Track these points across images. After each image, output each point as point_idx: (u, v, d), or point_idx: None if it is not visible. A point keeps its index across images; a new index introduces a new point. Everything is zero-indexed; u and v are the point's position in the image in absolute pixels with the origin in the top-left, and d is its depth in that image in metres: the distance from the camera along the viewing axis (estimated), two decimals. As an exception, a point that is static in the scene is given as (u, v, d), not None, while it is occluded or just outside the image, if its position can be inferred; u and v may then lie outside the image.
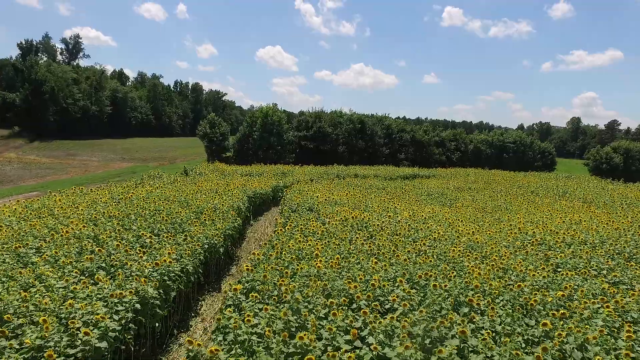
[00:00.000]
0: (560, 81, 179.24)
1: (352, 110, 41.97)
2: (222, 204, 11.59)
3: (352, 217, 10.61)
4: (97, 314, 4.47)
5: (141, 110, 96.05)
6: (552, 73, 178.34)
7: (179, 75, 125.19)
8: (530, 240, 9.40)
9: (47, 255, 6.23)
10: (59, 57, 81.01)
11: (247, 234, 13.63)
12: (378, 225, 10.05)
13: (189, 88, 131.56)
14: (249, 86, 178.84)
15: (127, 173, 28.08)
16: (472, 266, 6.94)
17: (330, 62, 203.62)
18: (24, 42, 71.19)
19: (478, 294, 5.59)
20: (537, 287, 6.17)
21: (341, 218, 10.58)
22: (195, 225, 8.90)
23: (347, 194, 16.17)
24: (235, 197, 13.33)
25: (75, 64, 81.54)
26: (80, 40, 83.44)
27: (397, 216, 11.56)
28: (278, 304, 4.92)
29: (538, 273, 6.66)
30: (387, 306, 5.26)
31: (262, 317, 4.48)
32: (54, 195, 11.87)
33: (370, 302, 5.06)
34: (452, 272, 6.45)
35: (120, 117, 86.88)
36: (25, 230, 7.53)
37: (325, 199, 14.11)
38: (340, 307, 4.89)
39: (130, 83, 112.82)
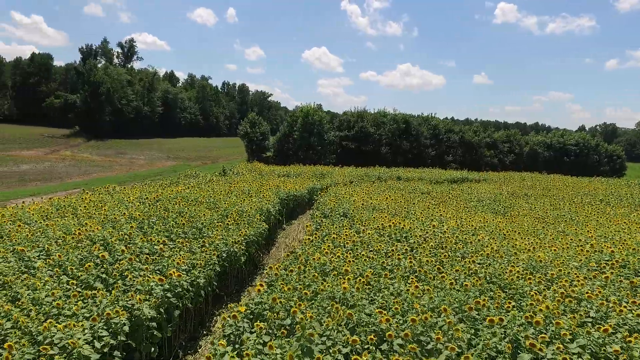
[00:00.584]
0: (627, 79, 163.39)
1: (396, 109, 40.41)
2: (251, 207, 10.93)
3: (391, 226, 9.49)
4: (75, 339, 3.80)
5: (190, 111, 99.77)
6: (617, 71, 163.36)
7: (228, 78, 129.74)
8: (608, 261, 7.79)
9: (52, 259, 5.77)
10: (115, 60, 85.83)
11: (278, 239, 12.91)
12: (420, 235, 8.86)
13: (235, 89, 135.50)
14: (295, 87, 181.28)
15: (168, 172, 28.63)
16: (534, 293, 5.64)
17: (376, 63, 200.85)
18: (84, 47, 76.35)
19: (543, 335, 4.33)
20: (627, 328, 4.77)
21: (378, 226, 9.50)
22: (218, 230, 8.24)
23: (387, 198, 15.01)
24: (266, 200, 12.66)
25: (129, 66, 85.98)
26: (134, 44, 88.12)
27: (443, 225, 10.28)
28: (289, 338, 4.01)
29: (626, 308, 5.21)
30: (428, 347, 4.18)
31: (265, 356, 3.59)
32: (86, 193, 11.79)
33: (406, 343, 4.01)
34: (509, 302, 5.21)
35: (170, 118, 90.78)
36: (41, 230, 7.21)
37: (363, 204, 13.07)
38: (366, 348, 3.89)
39: (180, 85, 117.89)
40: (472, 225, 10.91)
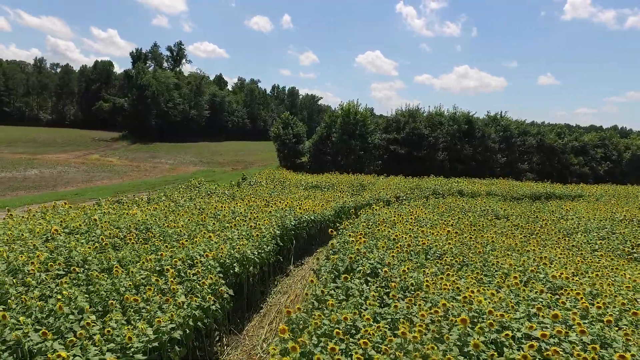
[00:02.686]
0: None
1: (457, 107, 33.85)
2: (212, 252, 6.19)
3: (458, 298, 4.27)
4: None
5: (238, 114, 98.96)
6: None
7: (282, 83, 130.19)
8: None
9: None
10: (165, 64, 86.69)
11: (271, 297, 8.07)
12: (524, 331, 3.56)
13: (285, 92, 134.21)
14: (347, 92, 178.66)
15: (185, 178, 25.04)
16: None
17: (432, 66, 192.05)
18: (134, 51, 77.30)
19: None
20: None
21: (431, 306, 4.31)
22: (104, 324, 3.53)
23: (447, 228, 9.56)
24: (255, 233, 7.86)
25: (178, 70, 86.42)
26: (183, 47, 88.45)
27: (559, 298, 4.81)
28: None
29: None
30: None
31: None
32: (19, 215, 7.74)
33: None
34: None
35: (217, 121, 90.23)
36: None
37: (410, 244, 7.81)
38: None
39: (228, 88, 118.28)
40: (613, 293, 5.26)
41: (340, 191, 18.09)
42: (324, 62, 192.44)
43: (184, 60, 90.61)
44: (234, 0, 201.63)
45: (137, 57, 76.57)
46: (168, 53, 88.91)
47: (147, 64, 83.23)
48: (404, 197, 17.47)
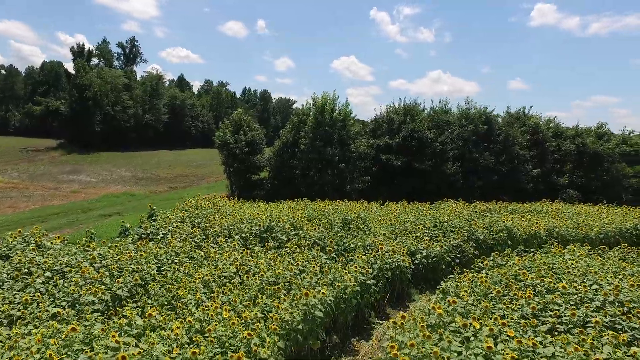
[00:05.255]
0: None
1: (469, 100, 25.25)
2: None
3: None
4: None
5: (203, 119, 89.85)
6: None
7: (260, 90, 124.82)
8: None
9: None
10: (115, 63, 76.39)
11: None
12: None
13: (257, 96, 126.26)
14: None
15: (78, 208, 15.98)
16: None
17: (406, 71, 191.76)
18: (75, 47, 66.86)
19: None
20: None
21: None
22: None
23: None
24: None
25: (130, 69, 76.25)
26: (137, 44, 78.31)
27: None
28: None
29: None
30: None
31: None
32: None
33: None
34: None
35: (179, 127, 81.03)
36: None
37: None
38: None
39: (190, 91, 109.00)
40: None
41: (305, 249, 9.18)
42: (300, 67, 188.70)
43: (138, 59, 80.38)
44: (207, 5, 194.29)
45: (79, 54, 66.07)
46: (119, 50, 78.56)
47: (95, 62, 72.93)
48: (427, 259, 8.78)
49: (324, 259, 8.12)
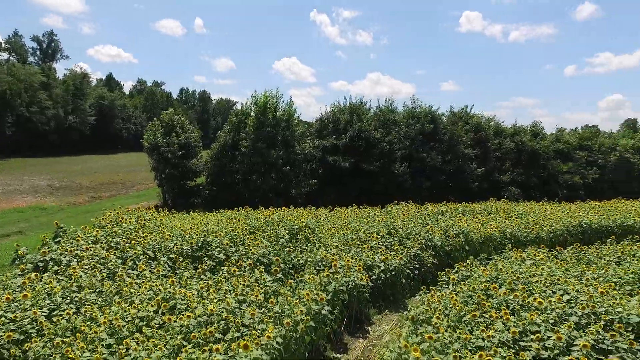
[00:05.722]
0: (585, 84, 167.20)
1: (415, 99, 25.16)
2: None
3: None
4: None
5: (135, 121, 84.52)
6: (576, 77, 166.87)
7: (199, 90, 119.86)
8: None
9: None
10: (30, 59, 68.98)
11: None
12: None
13: (195, 96, 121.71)
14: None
15: None
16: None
17: (347, 72, 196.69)
18: (-21, 39, 59.12)
19: None
20: None
21: None
22: None
23: None
24: None
25: (49, 66, 69.24)
26: (56, 37, 71.26)
27: None
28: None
29: None
30: None
31: None
32: None
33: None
34: None
35: (108, 129, 75.46)
36: None
37: None
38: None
39: (128, 91, 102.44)
40: None
41: (246, 270, 7.92)
42: (240, 68, 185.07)
43: (58, 55, 73.22)
44: (139, 1, 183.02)
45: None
46: (35, 45, 71.00)
47: (5, 57, 65.20)
48: (386, 273, 7.93)
49: (269, 281, 6.95)
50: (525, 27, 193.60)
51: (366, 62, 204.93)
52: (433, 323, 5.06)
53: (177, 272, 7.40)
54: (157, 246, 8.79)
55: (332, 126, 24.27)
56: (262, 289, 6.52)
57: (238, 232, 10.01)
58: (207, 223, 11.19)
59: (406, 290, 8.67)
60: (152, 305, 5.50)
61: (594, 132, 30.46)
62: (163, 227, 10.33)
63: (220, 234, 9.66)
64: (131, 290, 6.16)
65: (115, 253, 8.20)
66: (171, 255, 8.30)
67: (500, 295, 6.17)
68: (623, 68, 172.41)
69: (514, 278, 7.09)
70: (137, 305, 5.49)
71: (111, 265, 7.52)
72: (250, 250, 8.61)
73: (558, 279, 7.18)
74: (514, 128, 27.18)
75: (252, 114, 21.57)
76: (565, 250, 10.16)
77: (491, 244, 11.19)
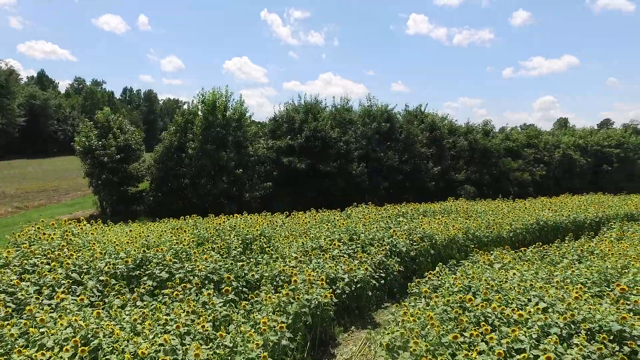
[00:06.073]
0: (522, 86, 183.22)
1: (371, 97, 24.88)
2: None
3: None
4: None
5: (72, 122, 79.03)
6: (514, 78, 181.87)
7: (145, 90, 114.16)
8: None
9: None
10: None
11: None
12: None
13: (140, 96, 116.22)
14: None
15: None
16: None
17: (299, 73, 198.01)
18: None
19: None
20: None
21: None
22: None
23: None
24: None
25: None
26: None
27: None
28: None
29: None
30: None
31: None
32: None
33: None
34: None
35: (41, 131, 69.96)
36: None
37: None
38: None
39: (64, 90, 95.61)
40: None
41: (192, 291, 6.96)
42: (190, 67, 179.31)
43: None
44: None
45: None
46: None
47: None
48: (350, 286, 7.29)
49: (220, 304, 6.04)
50: (468, 31, 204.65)
51: (318, 63, 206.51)
52: (411, 350, 4.43)
53: (107, 299, 6.27)
54: (84, 267, 7.56)
55: (286, 126, 23.43)
56: (210, 315, 5.62)
57: (184, 244, 8.95)
58: (148, 235, 9.97)
59: (372, 302, 8.07)
60: (67, 350, 4.42)
61: (537, 129, 31.97)
62: (94, 242, 9.01)
63: (162, 248, 8.56)
64: (43, 329, 5.00)
65: (30, 279, 6.89)
66: (101, 278, 7.11)
67: (477, 308, 5.69)
68: (553, 71, 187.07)
69: (488, 286, 6.69)
70: (46, 352, 4.38)
71: (22, 295, 6.24)
72: (198, 266, 7.62)
73: (531, 285, 6.88)
74: (467, 127, 27.84)
75: (199, 113, 20.21)
76: (529, 251, 10.07)
77: (455, 246, 10.92)
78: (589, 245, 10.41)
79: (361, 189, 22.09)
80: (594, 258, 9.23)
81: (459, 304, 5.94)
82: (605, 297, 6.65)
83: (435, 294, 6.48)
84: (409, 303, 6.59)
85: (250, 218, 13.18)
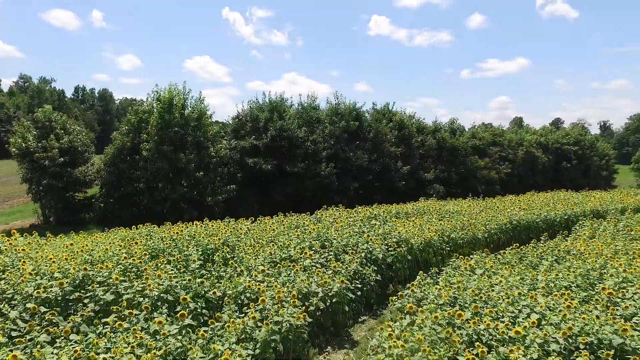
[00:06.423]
0: (478, 87, 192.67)
1: (339, 95, 24.29)
2: None
3: None
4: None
5: (18, 123, 73.35)
6: (471, 79, 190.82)
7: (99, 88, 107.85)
8: None
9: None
10: None
11: None
12: None
13: (95, 96, 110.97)
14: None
15: None
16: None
17: (263, 72, 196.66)
18: None
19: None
20: None
21: None
22: None
23: None
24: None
25: None
26: None
27: None
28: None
29: None
30: None
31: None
32: None
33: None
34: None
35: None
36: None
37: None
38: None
39: (7, 88, 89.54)
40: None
41: (142, 317, 6.06)
42: (148, 66, 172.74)
43: None
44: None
45: None
46: None
47: None
48: (325, 302, 6.60)
49: (174, 332, 5.19)
50: (428, 33, 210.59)
51: (282, 62, 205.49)
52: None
53: (29, 334, 5.21)
54: (8, 292, 6.44)
55: (250, 125, 22.43)
56: (162, 348, 4.75)
57: (135, 259, 7.94)
58: (93, 249, 8.85)
59: (349, 317, 7.39)
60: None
61: (501, 128, 32.71)
62: (24, 261, 7.80)
63: (108, 265, 7.54)
64: None
65: None
66: (28, 305, 6.02)
67: (469, 325, 5.13)
68: (507, 73, 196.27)
69: (476, 297, 6.19)
70: None
71: None
72: (149, 285, 6.66)
73: (519, 293, 6.46)
74: (435, 125, 27.93)
75: (155, 112, 18.84)
76: (508, 253, 9.79)
77: (431, 249, 10.48)
78: (565, 245, 10.28)
79: (330, 190, 21.50)
80: (572, 258, 9.05)
81: (447, 320, 5.37)
82: (594, 303, 6.33)
83: (421, 308, 5.89)
84: (391, 320, 5.98)
85: (212, 225, 12.23)
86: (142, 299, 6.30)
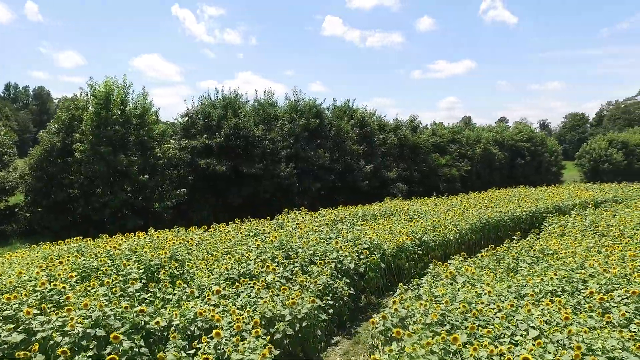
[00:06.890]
0: (429, 87, 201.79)
1: (298, 91, 23.22)
2: None
3: None
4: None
5: None
6: (421, 80, 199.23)
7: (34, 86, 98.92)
8: None
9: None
10: None
11: None
12: None
13: (29, 94, 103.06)
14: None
15: None
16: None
17: (216, 71, 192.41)
18: None
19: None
20: None
21: None
22: None
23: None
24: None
25: None
26: None
27: None
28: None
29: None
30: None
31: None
32: None
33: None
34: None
35: None
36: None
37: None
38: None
39: None
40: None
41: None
42: (92, 63, 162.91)
43: None
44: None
45: None
46: None
47: None
48: (293, 326, 5.64)
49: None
50: (380, 34, 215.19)
51: (235, 62, 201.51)
52: None
53: None
54: None
55: (202, 123, 20.93)
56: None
57: (57, 283, 6.59)
58: (2, 274, 7.35)
59: (320, 339, 6.46)
60: None
61: (458, 125, 33.29)
62: None
63: (22, 293, 6.17)
64: None
65: None
66: None
67: (470, 353, 4.37)
68: (454, 74, 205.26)
69: (467, 314, 5.50)
70: None
71: None
72: (72, 317, 5.39)
73: (512, 305, 5.86)
74: (396, 122, 27.73)
75: (90, 108, 16.92)
76: (485, 256, 9.32)
77: (404, 254, 9.81)
78: (540, 245, 10.01)
79: (290, 192, 20.51)
80: (549, 259, 8.75)
81: (442, 347, 4.60)
82: (588, 311, 5.87)
83: (407, 331, 5.08)
84: (372, 346, 5.12)
85: (158, 236, 10.87)
86: (60, 338, 5.04)
